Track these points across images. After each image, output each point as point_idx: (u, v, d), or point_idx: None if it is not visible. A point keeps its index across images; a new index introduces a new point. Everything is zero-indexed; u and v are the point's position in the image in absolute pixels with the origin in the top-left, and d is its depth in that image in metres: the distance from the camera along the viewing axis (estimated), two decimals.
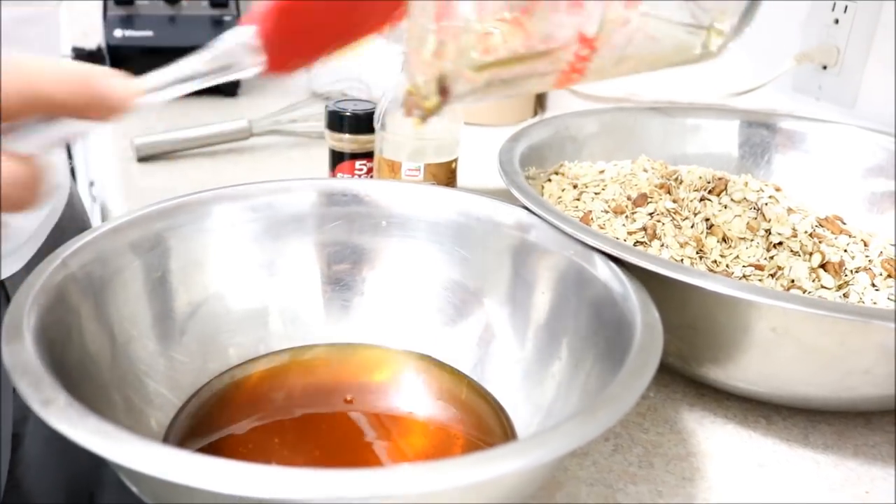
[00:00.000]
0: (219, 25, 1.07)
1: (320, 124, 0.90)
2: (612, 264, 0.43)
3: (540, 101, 1.08)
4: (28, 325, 0.35)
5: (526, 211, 0.49)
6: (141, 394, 0.42)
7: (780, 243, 0.51)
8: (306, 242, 0.51)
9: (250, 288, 0.49)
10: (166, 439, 0.42)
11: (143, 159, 0.83)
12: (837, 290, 0.48)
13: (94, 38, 1.18)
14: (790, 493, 0.42)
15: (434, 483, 0.27)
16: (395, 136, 0.60)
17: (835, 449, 0.46)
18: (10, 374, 0.31)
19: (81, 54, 1.01)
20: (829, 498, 0.42)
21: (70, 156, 1.28)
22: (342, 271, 0.51)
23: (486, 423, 0.44)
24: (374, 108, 0.64)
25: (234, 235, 0.49)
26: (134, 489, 0.34)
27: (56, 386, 0.31)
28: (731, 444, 0.46)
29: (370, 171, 0.66)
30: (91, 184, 1.13)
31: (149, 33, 1.01)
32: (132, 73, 0.34)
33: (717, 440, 0.46)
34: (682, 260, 0.51)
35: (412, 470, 0.27)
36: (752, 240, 0.51)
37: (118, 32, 1.01)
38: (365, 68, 1.01)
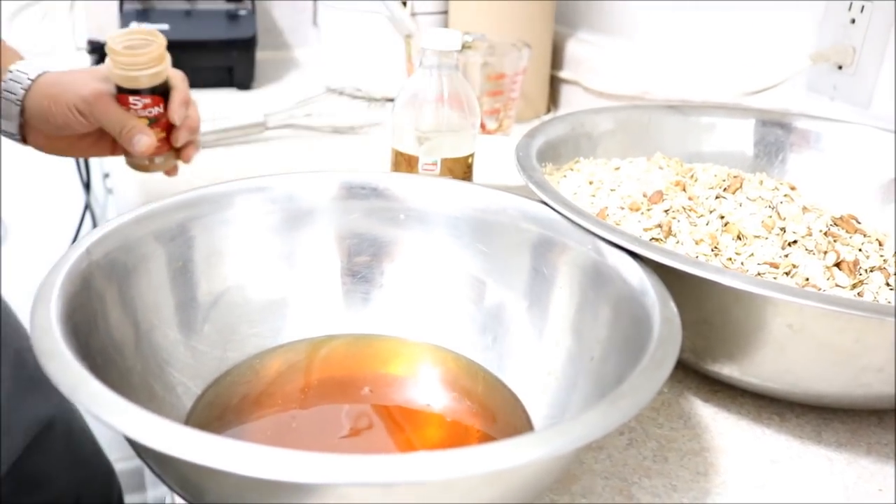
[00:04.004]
0: (234, 20, 1.08)
1: (335, 119, 0.91)
2: (631, 259, 0.43)
3: (553, 99, 1.08)
4: (55, 312, 0.35)
5: (544, 206, 0.49)
6: (162, 381, 0.43)
7: (795, 242, 0.51)
8: (326, 234, 0.51)
9: (270, 279, 0.50)
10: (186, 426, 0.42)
11: None
12: (852, 289, 0.48)
13: (111, 32, 1.19)
14: (803, 490, 0.43)
15: (452, 471, 0.27)
16: (411, 130, 0.60)
17: (848, 447, 0.46)
18: (38, 358, 0.32)
19: (97, 47, 1.02)
20: (841, 495, 0.42)
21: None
22: (361, 263, 0.51)
23: (503, 416, 0.45)
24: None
25: (255, 226, 0.49)
26: (157, 473, 0.34)
27: (84, 371, 0.31)
28: (744, 440, 0.46)
29: (146, 106, 0.58)
30: (106, 175, 1.13)
31: (165, 27, 1.02)
32: None
33: (730, 436, 0.46)
34: (696, 257, 0.51)
35: (430, 457, 0.28)
36: (766, 238, 0.51)
37: (134, 26, 1.02)
38: (377, 64, 1.02)
